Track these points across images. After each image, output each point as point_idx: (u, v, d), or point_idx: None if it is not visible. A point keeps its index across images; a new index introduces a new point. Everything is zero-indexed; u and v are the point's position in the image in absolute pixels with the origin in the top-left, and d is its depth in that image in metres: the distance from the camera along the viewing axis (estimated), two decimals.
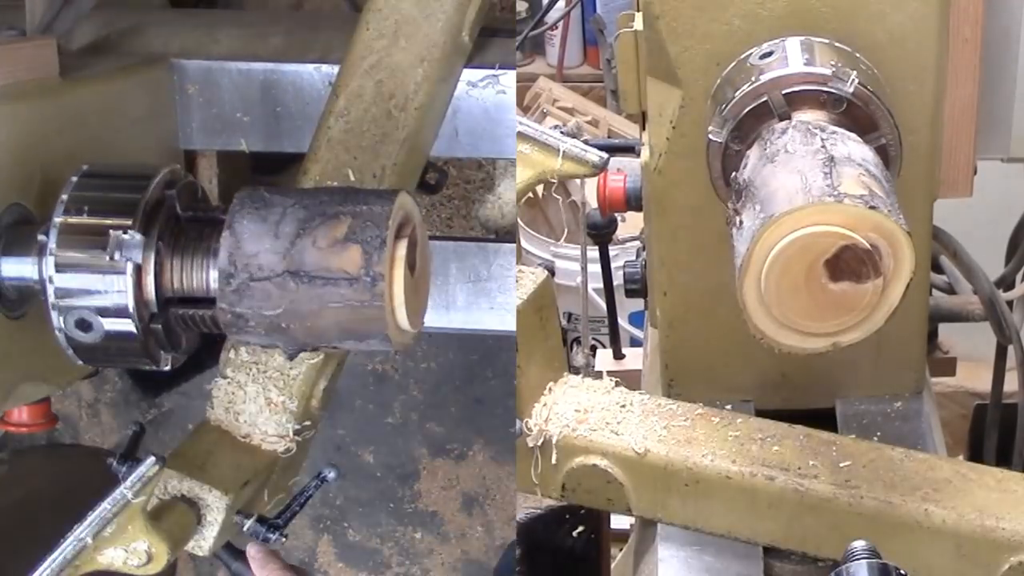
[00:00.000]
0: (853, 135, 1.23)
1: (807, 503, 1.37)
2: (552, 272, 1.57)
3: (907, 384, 1.61)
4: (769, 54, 1.32)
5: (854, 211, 1.11)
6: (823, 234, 1.12)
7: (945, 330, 2.21)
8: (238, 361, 1.51)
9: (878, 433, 1.56)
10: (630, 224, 2.67)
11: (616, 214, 2.28)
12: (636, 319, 3.34)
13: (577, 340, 3.39)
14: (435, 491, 2.79)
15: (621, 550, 2.08)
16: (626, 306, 3.16)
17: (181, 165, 1.58)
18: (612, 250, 2.51)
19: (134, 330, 1.29)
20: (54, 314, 1.29)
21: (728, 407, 1.53)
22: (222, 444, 1.50)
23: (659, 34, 1.38)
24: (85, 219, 1.28)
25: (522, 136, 1.52)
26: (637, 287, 1.92)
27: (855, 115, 1.27)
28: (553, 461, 1.46)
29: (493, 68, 1.78)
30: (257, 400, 1.50)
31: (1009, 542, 1.32)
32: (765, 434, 1.44)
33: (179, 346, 1.36)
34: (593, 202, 2.03)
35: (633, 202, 1.85)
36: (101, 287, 1.27)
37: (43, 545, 1.25)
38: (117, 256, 1.25)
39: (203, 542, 1.43)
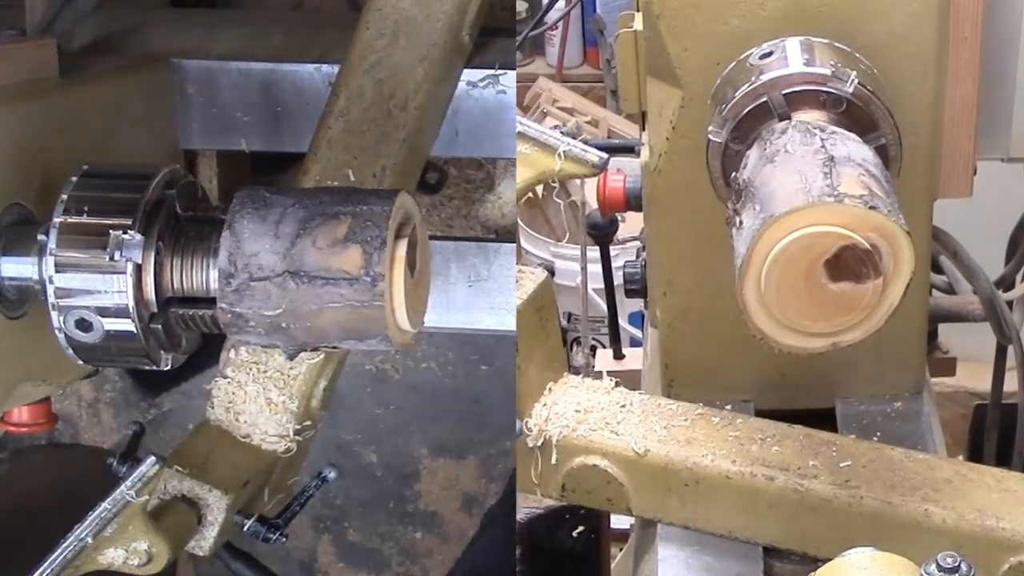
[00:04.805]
0: (853, 135, 1.23)
1: (807, 503, 1.38)
2: (552, 272, 1.57)
3: (907, 384, 1.61)
4: (769, 54, 1.32)
5: (854, 211, 1.11)
6: (823, 234, 1.12)
7: (945, 330, 2.21)
8: (238, 361, 1.51)
9: (878, 433, 1.56)
10: (630, 224, 2.67)
11: (616, 214, 2.28)
12: (636, 319, 3.34)
13: (577, 340, 3.40)
14: (435, 491, 2.79)
15: (621, 550, 2.08)
16: (626, 306, 3.16)
17: (181, 165, 1.58)
18: (612, 250, 2.51)
19: (134, 330, 1.29)
20: (54, 314, 1.29)
21: (728, 407, 1.53)
22: (222, 444, 1.50)
23: (659, 34, 1.38)
24: (85, 219, 1.28)
25: (522, 136, 1.52)
26: (637, 287, 1.92)
27: (855, 115, 1.27)
28: (553, 461, 1.46)
29: (493, 68, 1.78)
30: (257, 400, 1.50)
31: (1009, 542, 1.32)
32: (765, 434, 1.44)
33: (179, 346, 1.36)
34: (593, 202, 2.03)
35: (633, 202, 1.85)
36: (101, 287, 1.27)
37: (43, 545, 1.25)
38: (117, 256, 1.25)
39: (203, 542, 1.43)
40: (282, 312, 1.21)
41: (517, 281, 1.50)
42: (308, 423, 1.53)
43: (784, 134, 1.22)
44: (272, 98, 1.84)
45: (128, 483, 1.27)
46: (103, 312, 1.28)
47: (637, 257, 2.00)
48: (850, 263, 1.13)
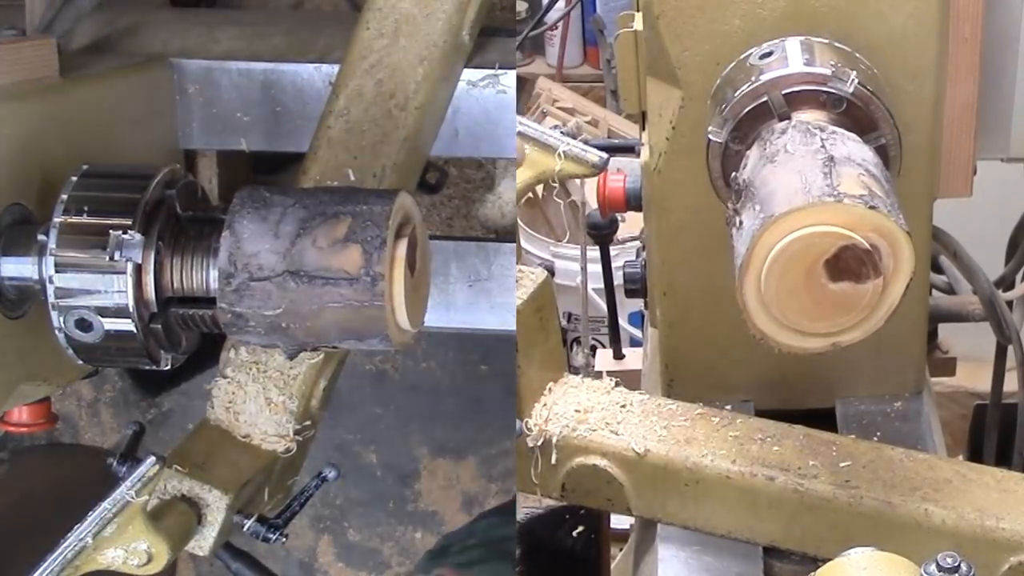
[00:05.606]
0: (853, 135, 1.23)
1: (807, 503, 1.38)
2: (552, 272, 1.57)
3: (907, 384, 1.61)
4: (769, 54, 1.32)
5: (854, 211, 1.11)
6: (823, 234, 1.12)
7: (945, 330, 2.21)
8: (238, 361, 1.51)
9: (878, 433, 1.56)
10: (630, 224, 2.67)
11: (616, 214, 2.27)
12: (636, 319, 3.34)
13: (577, 340, 3.40)
14: (435, 491, 2.79)
15: (621, 550, 2.08)
16: (626, 306, 3.16)
17: (181, 165, 1.58)
18: (612, 250, 2.51)
19: (134, 330, 1.29)
20: (54, 314, 1.29)
21: (728, 407, 1.53)
22: (222, 444, 1.50)
23: (659, 34, 1.38)
24: (85, 219, 1.28)
25: (522, 136, 1.52)
26: (637, 287, 1.92)
27: (855, 115, 1.27)
28: (553, 461, 1.46)
29: (493, 68, 1.78)
30: (257, 400, 1.50)
31: (1009, 542, 1.32)
32: (765, 434, 1.44)
33: (179, 346, 1.36)
34: (593, 202, 2.03)
35: (633, 202, 1.85)
36: (101, 287, 1.27)
37: (43, 545, 1.25)
38: (117, 256, 1.25)
39: (203, 542, 1.43)
40: (282, 312, 1.21)
41: (517, 281, 1.50)
42: (308, 423, 1.53)
43: (784, 134, 1.22)
44: (272, 98, 1.84)
45: (128, 483, 1.27)
46: (103, 312, 1.28)
47: (637, 257, 2.00)
48: (850, 263, 1.13)
